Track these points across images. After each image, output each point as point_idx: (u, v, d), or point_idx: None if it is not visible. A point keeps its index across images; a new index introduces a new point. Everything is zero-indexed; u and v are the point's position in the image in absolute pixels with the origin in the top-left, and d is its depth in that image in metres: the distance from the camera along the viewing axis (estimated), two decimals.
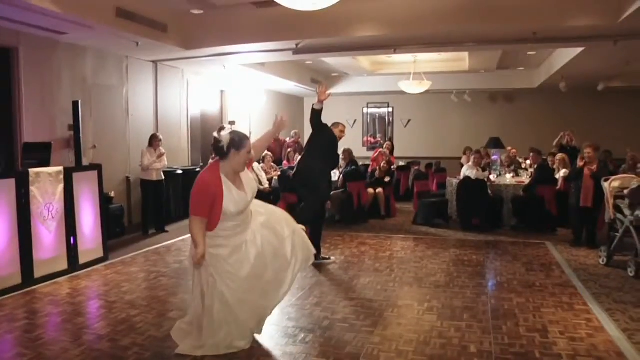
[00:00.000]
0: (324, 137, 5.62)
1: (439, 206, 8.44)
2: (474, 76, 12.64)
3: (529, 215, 7.66)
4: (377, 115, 15.55)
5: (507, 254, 6.22)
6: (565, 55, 9.09)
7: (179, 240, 7.18)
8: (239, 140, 3.06)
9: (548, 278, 5.16)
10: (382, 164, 9.25)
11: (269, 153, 9.49)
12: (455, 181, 8.49)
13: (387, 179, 9.04)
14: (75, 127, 6.08)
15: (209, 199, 3.00)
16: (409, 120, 15.00)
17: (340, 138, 5.75)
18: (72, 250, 5.47)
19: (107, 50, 7.50)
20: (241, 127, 8.86)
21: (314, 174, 5.58)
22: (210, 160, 3.18)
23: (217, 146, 3.06)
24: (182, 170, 8.86)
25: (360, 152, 13.85)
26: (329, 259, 5.84)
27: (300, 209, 5.62)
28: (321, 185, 5.59)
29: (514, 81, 12.70)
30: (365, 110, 15.39)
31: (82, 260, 5.61)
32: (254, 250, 3.22)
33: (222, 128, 7.00)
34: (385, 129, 15.43)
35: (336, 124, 5.80)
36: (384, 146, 10.94)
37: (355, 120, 15.34)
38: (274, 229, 3.36)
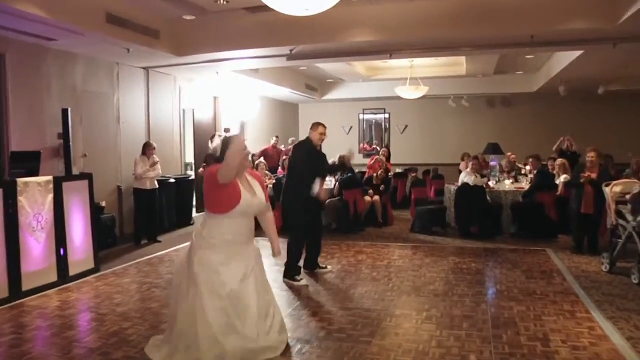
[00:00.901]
0: (300, 153, 5.43)
1: (437, 213, 8.44)
2: (472, 81, 12.72)
3: (529, 221, 7.67)
4: (373, 121, 15.59)
5: (507, 262, 6.21)
6: (564, 58, 9.15)
7: (171, 250, 7.15)
8: (226, 139, 3.22)
9: (549, 285, 5.15)
10: (379, 172, 9.25)
11: (263, 160, 9.50)
12: (453, 188, 8.51)
13: (382, 188, 8.99)
14: (64, 135, 6.06)
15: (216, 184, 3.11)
16: (405, 126, 15.06)
17: (321, 141, 5.42)
18: (61, 262, 5.43)
19: (98, 56, 7.50)
20: (235, 133, 8.83)
21: (289, 198, 5.43)
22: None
23: (213, 157, 3.23)
24: (175, 178, 8.86)
25: (357, 159, 13.87)
26: (325, 267, 5.83)
27: (288, 243, 5.49)
28: (297, 209, 5.35)
29: (512, 85, 12.79)
30: (361, 116, 15.44)
31: (72, 271, 5.57)
32: (242, 269, 3.21)
33: (213, 136, 6.84)
34: (381, 135, 15.46)
35: (315, 125, 5.43)
36: (380, 153, 10.97)
37: (351, 127, 15.38)
38: (264, 278, 3.41)
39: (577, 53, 8.14)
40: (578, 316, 4.24)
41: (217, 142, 3.23)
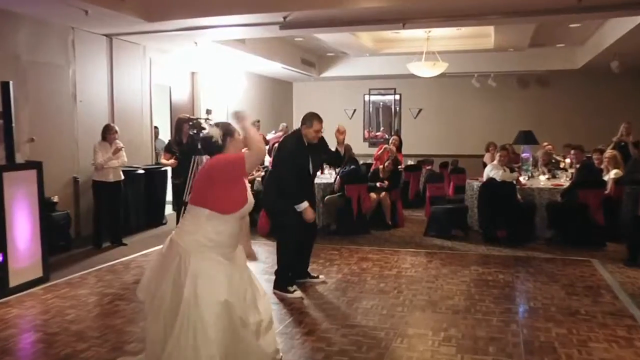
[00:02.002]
0: (284, 153, 5.38)
1: (457, 214, 8.44)
2: (501, 56, 12.69)
3: (569, 225, 7.64)
4: (382, 103, 15.58)
5: (542, 273, 6.20)
6: (619, 26, 9.00)
7: (139, 255, 7.12)
8: (227, 128, 3.32)
9: (596, 304, 5.11)
10: (386, 163, 9.24)
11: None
12: (476, 184, 8.50)
13: (379, 185, 8.95)
14: (5, 114, 5.87)
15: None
16: (419, 110, 15.06)
17: (316, 139, 5.33)
18: (0, 270, 5.36)
19: (48, 19, 7.41)
20: (217, 116, 8.75)
21: (272, 197, 5.40)
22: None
23: (210, 144, 3.28)
24: (144, 169, 8.82)
25: (361, 149, 13.89)
26: (317, 277, 5.86)
27: (277, 247, 5.49)
28: (283, 209, 5.30)
29: (551, 61, 12.73)
30: (366, 97, 15.45)
31: (14, 282, 5.48)
32: (245, 281, 3.26)
33: (190, 120, 6.81)
34: (391, 120, 15.48)
35: (309, 120, 5.29)
36: (390, 142, 10.98)
37: (354, 110, 15.40)
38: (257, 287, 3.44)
39: (637, 19, 8.00)
40: (638, 345, 4.17)
41: (214, 129, 3.30)
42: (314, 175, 5.57)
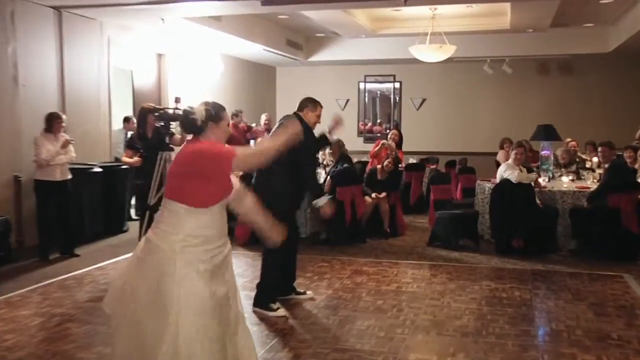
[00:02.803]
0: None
1: (465, 221, 8.46)
2: (518, 38, 12.76)
3: (597, 234, 7.67)
4: (379, 93, 15.63)
5: (565, 290, 6.22)
6: None
7: (95, 268, 7.06)
8: (216, 112, 3.39)
9: (630, 328, 5.12)
10: (385, 162, 9.24)
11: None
12: (488, 186, 8.54)
13: (374, 196, 8.95)
14: None
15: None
16: (423, 101, 15.13)
17: (315, 126, 5.57)
18: None
19: None
20: (187, 104, 8.69)
21: (271, 193, 5.36)
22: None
23: (187, 120, 3.38)
24: (102, 167, 8.78)
25: (355, 145, 13.88)
26: (304, 293, 5.88)
27: (263, 257, 5.53)
28: (281, 209, 5.38)
29: (577, 44, 12.77)
30: (361, 85, 15.51)
31: None
32: (230, 285, 3.32)
33: (156, 110, 6.80)
34: (389, 112, 15.53)
35: (312, 104, 5.55)
36: (389, 137, 10.97)
37: (347, 101, 15.46)
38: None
39: None
40: None
41: (200, 108, 3.37)
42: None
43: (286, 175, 5.29)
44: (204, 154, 3.21)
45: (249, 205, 3.57)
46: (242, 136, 11.33)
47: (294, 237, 5.60)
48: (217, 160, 3.19)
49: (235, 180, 3.38)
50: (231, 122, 11.35)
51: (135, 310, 3.14)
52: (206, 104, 3.40)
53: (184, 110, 3.47)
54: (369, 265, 7.22)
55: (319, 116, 5.54)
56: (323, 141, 5.78)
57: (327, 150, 9.51)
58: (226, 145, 3.37)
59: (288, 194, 5.37)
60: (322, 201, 5.40)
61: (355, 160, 10.26)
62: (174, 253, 3.12)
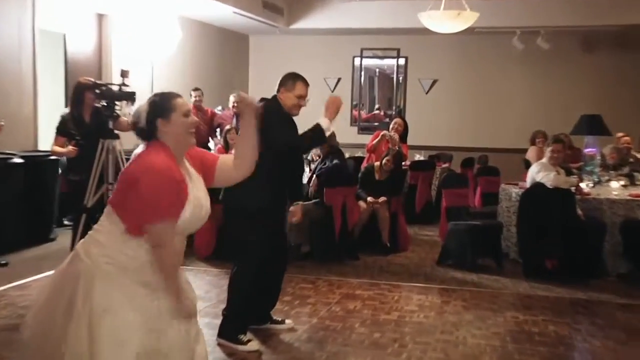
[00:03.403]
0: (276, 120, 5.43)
1: (486, 234, 8.48)
2: (556, 4, 12.80)
3: None
4: (378, 71, 15.65)
5: (616, 327, 6.18)
6: None
7: (12, 287, 6.97)
8: (160, 101, 3.31)
9: None
10: (384, 160, 9.21)
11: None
12: (516, 191, 8.59)
13: (369, 201, 8.97)
14: None
15: (176, 189, 3.20)
16: (434, 82, 15.15)
17: (298, 109, 5.49)
18: None
19: None
20: (138, 81, 8.58)
21: (249, 209, 5.40)
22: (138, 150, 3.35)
23: (138, 128, 3.33)
24: (23, 157, 8.72)
25: (347, 136, 13.76)
26: (283, 322, 5.91)
27: (232, 275, 5.53)
28: (262, 219, 5.39)
29: (635, 12, 12.63)
30: (357, 61, 15.53)
31: None
32: (174, 323, 3.28)
33: (97, 86, 6.73)
34: (391, 95, 15.54)
35: (291, 80, 5.46)
36: (390, 127, 10.90)
37: (338, 80, 15.48)
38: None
39: None
40: None
41: (140, 106, 3.31)
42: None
43: (268, 183, 5.19)
44: (145, 189, 3.10)
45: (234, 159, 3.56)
46: (207, 122, 11.28)
47: (281, 251, 5.61)
48: (159, 206, 3.10)
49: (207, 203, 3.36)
50: (192, 101, 11.50)
51: (51, 338, 3.15)
52: (152, 96, 3.36)
53: (61, 121, 3.36)
54: (363, 287, 7.21)
55: (300, 97, 5.40)
56: (318, 136, 5.54)
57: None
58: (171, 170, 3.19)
59: (273, 209, 5.41)
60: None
61: (347, 155, 10.23)
62: (95, 271, 3.11)
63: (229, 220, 5.76)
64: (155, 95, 3.33)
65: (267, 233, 5.33)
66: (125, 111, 6.81)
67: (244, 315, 5.44)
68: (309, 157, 9.73)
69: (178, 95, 3.33)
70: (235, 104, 11.49)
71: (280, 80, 5.47)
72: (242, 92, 3.69)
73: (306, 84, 5.46)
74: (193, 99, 11.49)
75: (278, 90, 5.45)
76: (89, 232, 3.30)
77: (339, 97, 5.66)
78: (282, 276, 5.84)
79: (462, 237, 8.35)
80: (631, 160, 9.85)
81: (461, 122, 14.82)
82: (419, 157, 11.96)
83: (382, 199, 8.97)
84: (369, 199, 8.94)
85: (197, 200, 3.26)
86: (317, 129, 5.40)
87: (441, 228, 9.06)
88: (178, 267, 3.32)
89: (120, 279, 3.12)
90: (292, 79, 5.43)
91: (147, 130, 3.25)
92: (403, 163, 10.29)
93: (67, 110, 7.10)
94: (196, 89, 11.57)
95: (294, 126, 5.47)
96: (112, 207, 3.19)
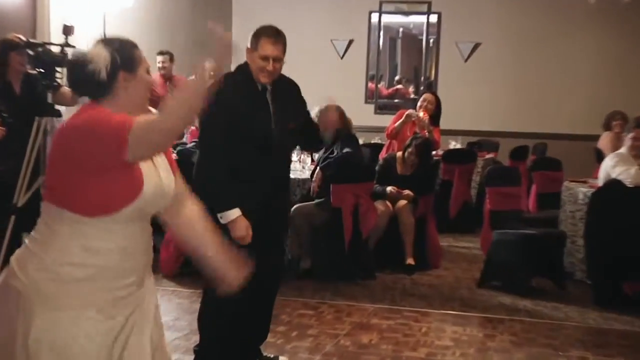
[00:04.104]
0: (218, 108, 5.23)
1: (543, 247, 8.45)
2: None
3: None
4: (402, 31, 15.60)
5: None
6: None
7: None
8: (122, 50, 3.34)
9: None
10: (407, 149, 9.17)
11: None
12: (584, 191, 8.66)
13: (391, 191, 9.00)
14: None
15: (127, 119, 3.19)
16: (475, 46, 15.11)
17: (266, 74, 5.36)
18: None
19: None
20: (85, 40, 8.45)
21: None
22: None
23: (81, 74, 3.29)
24: None
25: (361, 116, 13.72)
26: (276, 359, 5.97)
27: (201, 304, 5.62)
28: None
29: None
30: (374, 18, 15.50)
31: None
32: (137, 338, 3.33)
33: (30, 45, 6.69)
34: (420, 63, 15.48)
35: (254, 36, 5.38)
36: (418, 105, 10.88)
37: (350, 43, 15.46)
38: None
39: None
40: None
41: (99, 51, 3.27)
42: (286, 154, 5.64)
43: (251, 167, 5.26)
44: (82, 132, 3.13)
45: (188, 217, 3.59)
46: (164, 91, 11.26)
47: (269, 267, 5.52)
48: (101, 140, 3.09)
49: (170, 182, 3.40)
50: (159, 70, 11.50)
51: None
52: (106, 42, 3.35)
53: (75, 58, 3.38)
54: (381, 315, 7.25)
55: (264, 58, 5.29)
56: (309, 132, 5.64)
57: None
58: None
59: (259, 201, 5.32)
60: (229, 216, 5.19)
61: (361, 141, 10.17)
62: (31, 292, 3.12)
63: None
64: (111, 40, 3.34)
65: (252, 248, 5.19)
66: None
67: (222, 352, 5.43)
68: None
69: (137, 47, 3.40)
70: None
71: (250, 39, 5.45)
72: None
73: (276, 39, 5.35)
74: (159, 64, 11.47)
75: (247, 48, 5.44)
76: (25, 242, 3.29)
77: (334, 105, 5.66)
78: (273, 300, 5.85)
79: (512, 251, 8.30)
80: None
81: (511, 99, 14.73)
82: (454, 144, 11.95)
83: (406, 192, 8.99)
84: (389, 189, 8.98)
85: (157, 178, 3.32)
86: (308, 121, 5.63)
87: (484, 238, 9.01)
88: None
89: (68, 300, 3.12)
90: (256, 34, 5.38)
91: (103, 85, 3.24)
92: (434, 153, 10.28)
93: None
94: (163, 53, 11.60)
95: (255, 101, 5.40)
96: (50, 197, 3.19)
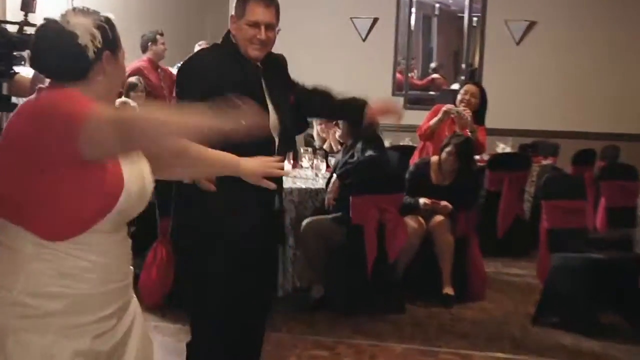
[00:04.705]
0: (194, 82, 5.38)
1: (615, 275, 8.44)
2: None
3: None
4: (439, 7, 15.64)
5: None
6: None
7: None
8: (109, 28, 3.44)
9: None
10: (445, 151, 9.20)
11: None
12: None
13: (425, 203, 9.01)
14: None
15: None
16: (530, 25, 15.13)
17: (256, 46, 5.30)
18: None
19: None
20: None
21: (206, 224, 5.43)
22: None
23: (68, 53, 3.34)
24: None
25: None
26: None
27: (187, 347, 5.65)
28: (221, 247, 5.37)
29: None
30: None
31: None
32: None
33: None
34: (460, 47, 15.51)
35: (241, 2, 5.31)
36: (458, 98, 10.91)
37: (375, 21, 15.54)
38: None
39: None
40: None
41: (83, 23, 3.35)
42: (282, 146, 5.54)
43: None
44: (40, 116, 3.17)
45: (193, 157, 3.79)
46: (169, 87, 11.38)
47: (257, 301, 5.59)
48: (53, 125, 3.12)
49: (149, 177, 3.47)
50: (147, 54, 11.63)
51: None
52: (86, 13, 3.40)
53: (53, 30, 3.36)
54: (411, 358, 7.30)
55: (255, 25, 5.23)
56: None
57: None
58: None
59: (246, 223, 5.32)
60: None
61: (388, 143, 10.23)
62: (4, 329, 3.16)
63: (176, 248, 5.90)
64: (92, 12, 3.40)
65: (233, 271, 5.31)
66: (27, 70, 6.78)
67: None
68: (324, 146, 9.74)
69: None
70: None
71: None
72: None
73: (268, 1, 5.29)
74: (158, 47, 11.67)
75: (231, 16, 5.42)
76: None
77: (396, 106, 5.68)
78: (261, 341, 5.84)
79: (576, 279, 8.29)
80: None
81: (574, 91, 14.77)
82: (503, 147, 11.98)
83: (444, 203, 9.02)
84: (423, 201, 9.00)
85: (139, 171, 3.42)
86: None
87: (540, 263, 9.00)
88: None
89: (44, 339, 3.17)
90: (240, 1, 5.32)
91: (86, 65, 3.31)
92: (478, 158, 10.33)
93: None
94: (161, 33, 11.72)
95: (240, 77, 5.31)
96: (3, 211, 3.21)
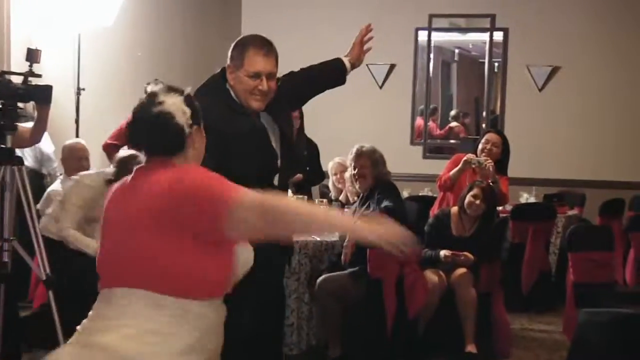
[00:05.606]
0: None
1: None
2: None
3: None
4: (458, 53, 15.64)
5: None
6: None
7: None
8: (194, 103, 3.77)
9: None
10: (467, 197, 9.20)
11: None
12: None
13: (445, 255, 8.97)
14: None
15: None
16: (552, 71, 15.12)
17: (256, 98, 5.39)
18: None
19: None
20: (54, 68, 8.47)
21: None
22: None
23: (169, 132, 3.65)
24: None
25: (407, 162, 13.87)
26: None
27: None
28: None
29: None
30: (422, 37, 15.64)
31: None
32: None
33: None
34: (482, 93, 15.50)
35: (239, 47, 5.48)
36: (480, 147, 10.91)
37: (391, 67, 15.57)
38: None
39: None
40: None
41: (175, 100, 3.67)
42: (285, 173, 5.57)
43: None
44: (197, 193, 3.46)
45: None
46: None
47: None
48: (206, 208, 3.42)
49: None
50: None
51: None
52: (174, 90, 3.76)
53: (151, 114, 3.66)
54: None
55: (256, 76, 5.28)
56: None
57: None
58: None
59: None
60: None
61: (406, 194, 10.21)
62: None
63: None
64: (176, 89, 3.76)
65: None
66: (24, 120, 6.78)
67: None
68: (340, 198, 9.74)
69: None
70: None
71: (231, 51, 5.49)
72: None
73: (268, 50, 5.38)
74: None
75: (227, 67, 5.47)
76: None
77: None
78: None
79: (605, 336, 8.17)
80: None
81: (600, 138, 14.74)
82: (527, 198, 11.95)
83: (465, 254, 8.97)
84: (444, 252, 8.94)
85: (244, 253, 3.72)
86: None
87: (567, 319, 9.02)
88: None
89: None
90: (239, 46, 5.41)
91: (181, 142, 3.66)
92: (500, 209, 10.31)
93: None
94: (153, 83, 11.68)
95: (253, 137, 5.34)
96: (142, 280, 3.41)
